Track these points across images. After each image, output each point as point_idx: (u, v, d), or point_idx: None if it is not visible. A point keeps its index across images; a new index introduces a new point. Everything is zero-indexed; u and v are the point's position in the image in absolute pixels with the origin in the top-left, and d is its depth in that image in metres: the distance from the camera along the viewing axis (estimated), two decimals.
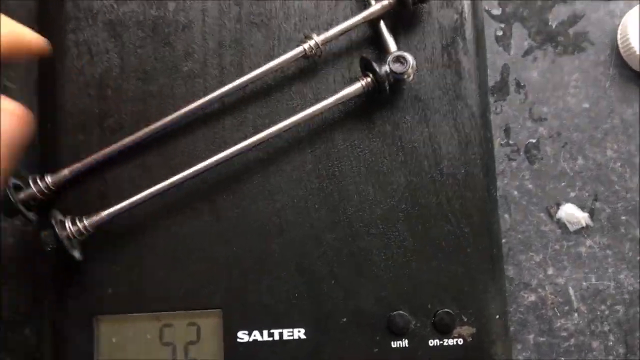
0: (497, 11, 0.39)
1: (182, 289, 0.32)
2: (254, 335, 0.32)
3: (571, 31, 0.39)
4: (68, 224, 0.30)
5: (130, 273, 0.32)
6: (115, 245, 0.32)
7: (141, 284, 0.32)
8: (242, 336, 0.32)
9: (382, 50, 0.33)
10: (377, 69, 0.31)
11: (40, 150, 0.33)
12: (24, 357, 0.35)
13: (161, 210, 0.32)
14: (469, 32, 0.34)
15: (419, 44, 0.33)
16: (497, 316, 0.33)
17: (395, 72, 0.31)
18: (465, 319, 0.32)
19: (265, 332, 0.32)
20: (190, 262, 0.32)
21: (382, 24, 0.32)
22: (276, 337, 0.32)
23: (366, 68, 0.32)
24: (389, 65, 0.31)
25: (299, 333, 0.32)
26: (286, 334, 0.32)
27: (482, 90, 0.34)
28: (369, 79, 0.31)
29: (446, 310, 0.32)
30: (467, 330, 0.32)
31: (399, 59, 0.31)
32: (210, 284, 0.32)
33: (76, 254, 0.30)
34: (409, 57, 0.31)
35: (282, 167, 0.33)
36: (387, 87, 0.31)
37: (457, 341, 0.32)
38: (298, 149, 0.33)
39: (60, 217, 0.30)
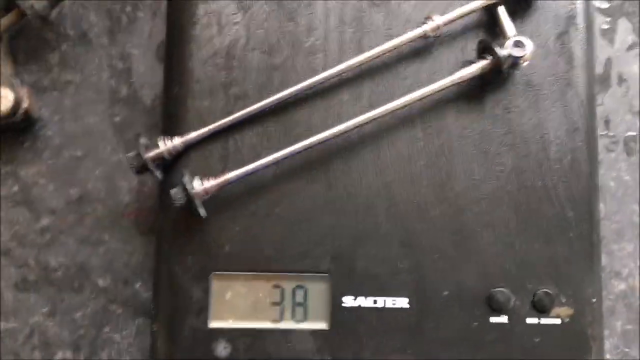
0: (604, 4, 0.40)
1: (294, 252, 0.33)
2: (359, 301, 0.33)
3: None
4: (197, 182, 0.31)
5: (245, 234, 0.33)
6: (233, 207, 0.33)
7: (255, 245, 0.33)
8: (347, 301, 0.33)
9: (495, 35, 0.34)
10: (498, 52, 0.32)
11: (165, 113, 0.34)
12: (134, 309, 0.37)
13: (278, 177, 0.33)
14: (581, 21, 0.35)
15: (533, 31, 0.34)
16: (594, 300, 0.34)
17: (514, 56, 0.32)
18: (564, 300, 0.33)
19: (370, 299, 0.33)
20: (302, 227, 0.33)
21: (501, 8, 0.33)
22: (380, 305, 0.33)
23: (484, 51, 0.33)
24: (508, 48, 0.32)
25: (403, 302, 0.33)
26: (390, 302, 0.33)
27: (590, 79, 0.35)
28: (486, 62, 0.32)
29: (545, 290, 0.33)
30: (565, 311, 0.33)
31: (518, 44, 0.32)
32: (320, 249, 0.33)
33: (202, 211, 0.32)
34: (529, 42, 0.32)
35: (393, 142, 0.34)
36: (505, 71, 0.32)
37: (554, 321, 0.33)
38: (410, 126, 0.34)
39: (188, 176, 0.32)
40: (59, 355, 0.36)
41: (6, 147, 0.37)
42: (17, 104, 0.35)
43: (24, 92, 0.36)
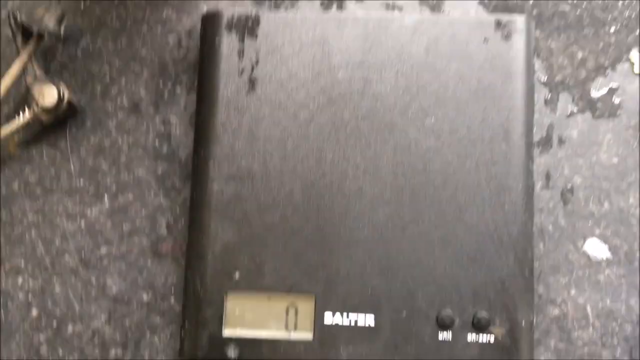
0: (543, 77, 0.49)
1: (288, 278, 0.44)
2: (337, 318, 0.43)
3: (608, 99, 0.48)
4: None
5: (252, 264, 0.44)
6: (242, 245, 0.44)
7: (259, 272, 0.44)
8: (328, 317, 0.44)
9: None
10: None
11: (194, 168, 0.46)
12: (169, 319, 0.48)
13: (280, 221, 0.44)
14: (520, 97, 0.44)
15: (478, 90, 0.44)
16: (524, 322, 0.43)
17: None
18: (499, 321, 0.43)
19: (345, 316, 0.43)
20: (297, 258, 0.44)
21: None
22: (352, 321, 0.43)
23: None
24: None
25: (370, 320, 0.43)
26: (361, 318, 0.43)
27: (528, 140, 0.44)
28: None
29: (484, 312, 0.43)
30: (499, 330, 0.43)
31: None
32: (309, 276, 0.44)
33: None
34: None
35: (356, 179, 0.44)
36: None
37: (490, 339, 0.43)
38: (379, 165, 0.44)
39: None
40: (112, 352, 0.47)
41: (77, 195, 0.49)
42: (60, 96, 0.47)
43: (62, 85, 0.47)
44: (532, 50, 0.46)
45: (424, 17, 0.46)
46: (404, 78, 0.45)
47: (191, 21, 0.50)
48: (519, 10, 0.49)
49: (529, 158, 0.45)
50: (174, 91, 0.50)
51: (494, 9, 0.50)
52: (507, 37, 0.45)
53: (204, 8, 0.50)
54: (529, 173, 0.44)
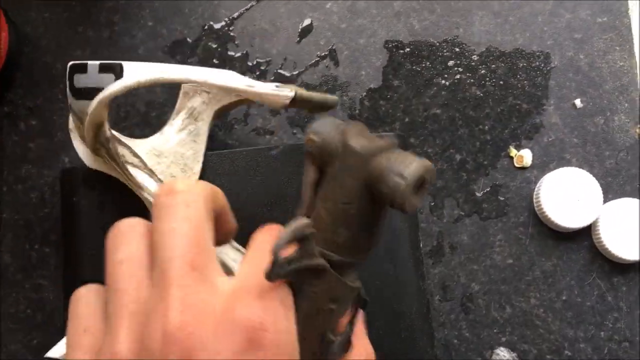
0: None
1: None
2: None
3: (494, 199, 0.47)
4: None
5: None
6: None
7: None
8: None
9: None
10: None
11: None
12: None
13: None
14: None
15: None
16: None
17: None
18: None
19: None
20: None
21: None
22: None
23: None
24: None
25: None
26: None
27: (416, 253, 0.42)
28: None
29: None
30: None
31: None
32: None
33: None
34: None
35: None
36: None
37: None
38: None
39: None
40: None
41: None
42: None
43: None
44: None
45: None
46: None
47: (54, 173, 0.47)
48: (390, 121, 0.48)
49: (419, 277, 0.43)
50: (41, 252, 0.46)
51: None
52: None
53: (66, 160, 0.48)
54: (421, 293, 0.42)
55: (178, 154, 0.43)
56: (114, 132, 0.40)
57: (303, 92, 0.34)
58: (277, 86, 0.34)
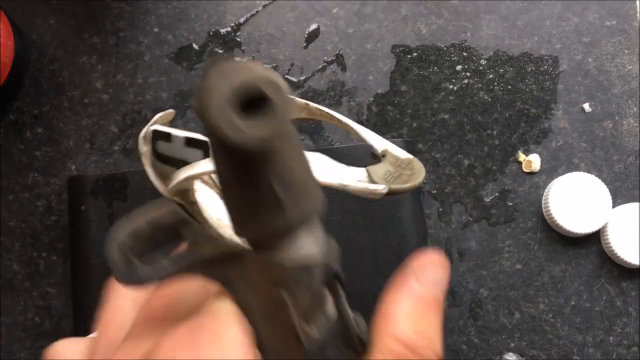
0: (436, 191, 0.47)
1: None
2: None
3: (502, 204, 0.47)
4: None
5: None
6: None
7: None
8: None
9: None
10: None
11: None
12: None
13: None
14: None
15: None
16: None
17: None
18: None
19: None
20: None
21: None
22: None
23: None
24: None
25: None
26: None
27: None
28: None
29: None
30: None
31: None
32: None
33: None
34: None
35: None
36: None
37: None
38: None
39: None
40: None
41: None
42: None
43: None
44: None
45: None
46: None
47: (60, 181, 0.47)
48: (398, 126, 0.48)
49: None
50: (48, 260, 0.46)
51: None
52: None
53: (72, 167, 0.48)
54: None
55: None
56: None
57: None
58: (369, 182, 0.31)
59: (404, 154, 0.35)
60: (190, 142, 0.32)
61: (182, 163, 0.33)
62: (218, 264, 0.22)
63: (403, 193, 0.32)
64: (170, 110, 0.39)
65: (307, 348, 0.21)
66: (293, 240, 0.20)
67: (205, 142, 0.32)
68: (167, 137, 0.33)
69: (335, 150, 0.45)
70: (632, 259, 0.45)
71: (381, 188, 0.30)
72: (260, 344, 0.21)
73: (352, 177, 0.30)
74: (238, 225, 0.20)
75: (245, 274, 0.21)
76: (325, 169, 0.30)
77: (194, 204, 0.38)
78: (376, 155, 0.34)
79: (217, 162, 0.19)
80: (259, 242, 0.21)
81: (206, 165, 0.32)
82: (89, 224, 0.43)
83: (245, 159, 0.17)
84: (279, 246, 0.20)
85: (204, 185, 0.42)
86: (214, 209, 0.42)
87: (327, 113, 0.39)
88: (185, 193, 0.37)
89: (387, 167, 0.32)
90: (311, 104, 0.40)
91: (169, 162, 0.34)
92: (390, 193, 0.31)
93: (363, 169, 0.31)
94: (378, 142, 0.36)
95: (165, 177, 0.36)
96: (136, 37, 0.49)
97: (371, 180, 0.30)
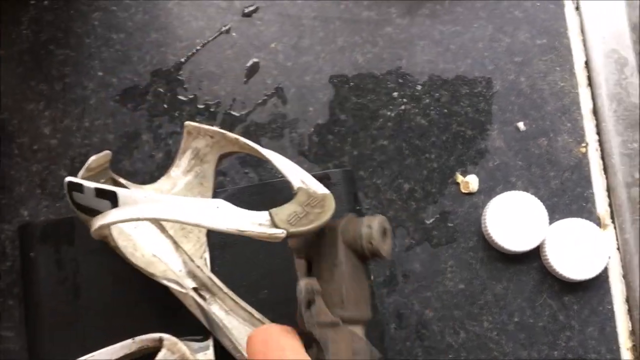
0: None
1: None
2: None
3: (443, 225, 0.48)
4: None
5: None
6: None
7: None
8: None
9: None
10: None
11: None
12: None
13: None
14: None
15: None
16: None
17: None
18: None
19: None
20: None
21: None
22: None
23: None
24: None
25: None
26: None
27: None
28: None
29: None
30: None
31: None
32: None
33: None
34: None
35: None
36: None
37: None
38: None
39: None
40: None
41: None
42: None
43: None
44: (354, 199, 0.46)
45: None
46: None
47: (13, 227, 0.49)
48: (339, 154, 0.49)
49: (372, 309, 0.44)
50: (5, 305, 0.48)
51: (316, 160, 0.49)
52: None
53: (25, 213, 0.49)
54: (375, 325, 0.44)
55: None
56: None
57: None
58: (270, 226, 0.32)
59: (320, 189, 0.37)
60: (99, 192, 0.34)
61: (96, 212, 0.35)
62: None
63: (305, 235, 0.33)
64: (106, 152, 0.41)
65: None
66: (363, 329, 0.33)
67: (112, 192, 0.33)
68: (80, 188, 0.35)
69: (276, 184, 0.46)
70: (571, 274, 0.46)
71: (279, 232, 0.31)
72: None
73: (251, 222, 0.31)
74: (350, 302, 0.32)
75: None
76: (224, 216, 0.32)
77: (117, 247, 0.40)
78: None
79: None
80: (352, 320, 0.32)
81: (115, 215, 0.34)
82: (38, 270, 0.45)
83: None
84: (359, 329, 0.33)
85: (147, 225, 0.43)
86: (152, 246, 0.43)
87: (253, 147, 0.40)
88: (107, 239, 0.39)
89: (294, 207, 0.33)
90: (241, 138, 0.41)
91: (86, 212, 0.36)
92: (291, 236, 0.32)
93: (266, 213, 0.32)
94: (294, 177, 0.37)
95: (87, 224, 0.38)
96: (81, 81, 0.51)
97: (273, 224, 0.32)
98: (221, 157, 0.43)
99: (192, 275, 0.42)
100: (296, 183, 0.36)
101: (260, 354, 0.30)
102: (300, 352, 0.30)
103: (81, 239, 0.45)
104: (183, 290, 0.39)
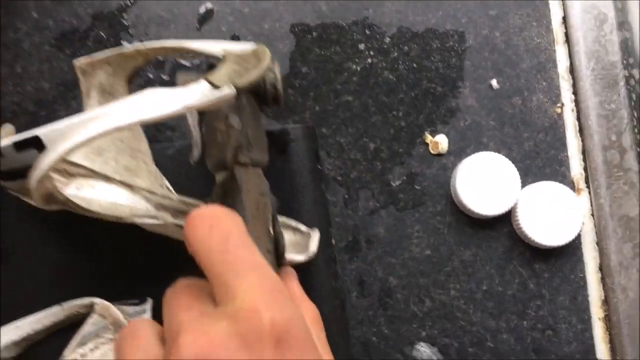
0: (341, 178, 0.45)
1: None
2: None
3: (410, 188, 0.45)
4: None
5: None
6: None
7: None
8: None
9: None
10: None
11: None
12: None
13: None
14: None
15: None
16: None
17: None
18: None
19: None
20: None
21: None
22: None
23: None
24: None
25: None
26: None
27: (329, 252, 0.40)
28: None
29: None
30: None
31: None
32: None
33: None
34: None
35: None
36: None
37: None
38: None
39: None
40: None
41: None
42: None
43: None
44: (315, 157, 0.42)
45: None
46: None
47: None
48: (300, 110, 0.45)
49: (332, 276, 0.41)
50: None
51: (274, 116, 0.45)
52: (282, 150, 0.41)
53: None
54: (334, 293, 0.40)
55: (116, 139, 0.38)
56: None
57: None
58: (213, 90, 0.28)
59: (248, 46, 0.33)
60: (20, 145, 0.29)
61: (27, 169, 0.30)
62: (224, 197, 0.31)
63: (254, 85, 0.30)
64: (8, 126, 0.35)
65: (277, 243, 0.32)
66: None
67: (33, 136, 0.29)
68: None
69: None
70: (543, 240, 0.43)
71: (228, 92, 0.28)
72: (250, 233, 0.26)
73: (192, 96, 0.27)
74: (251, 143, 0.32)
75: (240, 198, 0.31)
76: (162, 100, 0.27)
77: (68, 200, 0.35)
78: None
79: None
80: (253, 162, 0.32)
81: (48, 157, 0.29)
82: None
83: None
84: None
85: (91, 182, 0.38)
86: (106, 195, 0.38)
87: (157, 48, 0.36)
88: (53, 196, 0.34)
89: (229, 66, 0.30)
90: (139, 46, 0.36)
91: (16, 177, 0.31)
92: (240, 91, 0.28)
93: (202, 81, 0.28)
94: (215, 47, 0.33)
95: (24, 192, 0.33)
96: (14, 23, 0.45)
97: (215, 87, 0.28)
98: (130, 79, 0.38)
99: (161, 207, 0.37)
100: (218, 50, 0.33)
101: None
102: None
103: (6, 203, 0.40)
104: (160, 222, 0.35)
